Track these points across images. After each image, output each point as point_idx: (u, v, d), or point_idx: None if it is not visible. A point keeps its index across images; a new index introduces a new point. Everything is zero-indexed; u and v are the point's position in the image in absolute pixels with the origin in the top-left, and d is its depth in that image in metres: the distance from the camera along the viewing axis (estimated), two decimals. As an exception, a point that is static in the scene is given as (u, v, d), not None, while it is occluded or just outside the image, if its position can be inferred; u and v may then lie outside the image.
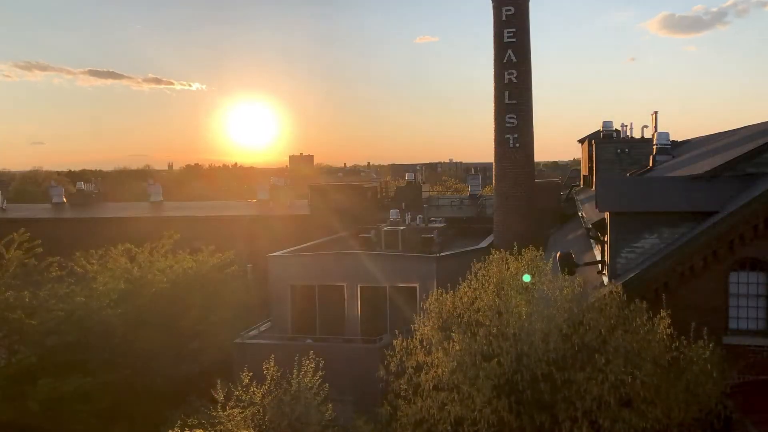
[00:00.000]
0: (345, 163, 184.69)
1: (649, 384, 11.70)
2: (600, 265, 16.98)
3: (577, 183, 39.28)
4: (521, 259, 16.07)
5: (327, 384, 16.56)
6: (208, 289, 26.71)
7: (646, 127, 29.53)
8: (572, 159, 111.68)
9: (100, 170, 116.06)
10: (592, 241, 19.04)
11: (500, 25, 30.76)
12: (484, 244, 30.66)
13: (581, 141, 37.00)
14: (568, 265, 15.71)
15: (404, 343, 14.20)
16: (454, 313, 14.27)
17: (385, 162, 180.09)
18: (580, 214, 24.82)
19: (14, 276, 22.90)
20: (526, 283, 14.41)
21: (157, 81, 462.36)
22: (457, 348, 12.89)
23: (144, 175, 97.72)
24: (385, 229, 34.62)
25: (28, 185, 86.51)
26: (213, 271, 27.93)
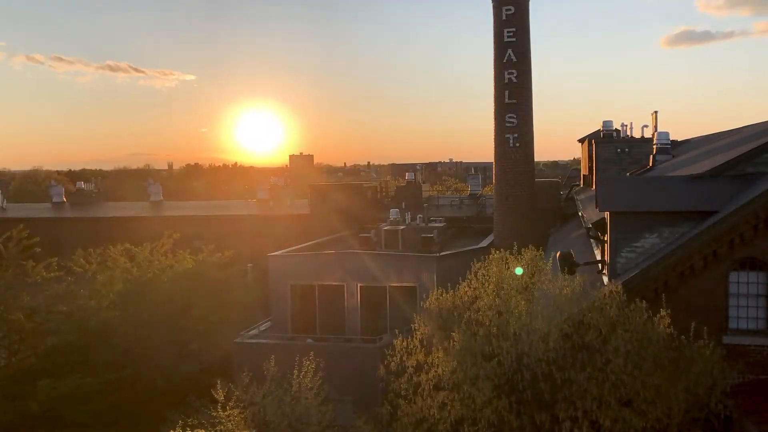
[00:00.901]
0: (345, 163, 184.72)
1: (650, 384, 11.70)
2: (600, 265, 16.98)
3: (577, 183, 39.27)
4: (521, 259, 16.08)
5: (327, 384, 16.57)
6: (209, 288, 26.70)
7: (646, 126, 29.58)
8: (572, 159, 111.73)
9: (100, 170, 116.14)
10: (592, 240, 19.03)
11: (500, 25, 30.76)
12: (484, 243, 30.67)
13: (581, 141, 37.01)
14: (569, 265, 15.69)
15: (404, 343, 14.20)
16: (455, 313, 14.27)
17: (385, 162, 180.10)
18: (580, 213, 24.81)
19: (14, 275, 22.91)
20: (519, 276, 14.46)
21: (141, 71, 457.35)
22: (458, 347, 12.89)
23: (144, 174, 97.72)
24: (385, 228, 34.64)
25: (28, 184, 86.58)
26: (213, 271, 27.93)
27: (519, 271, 14.66)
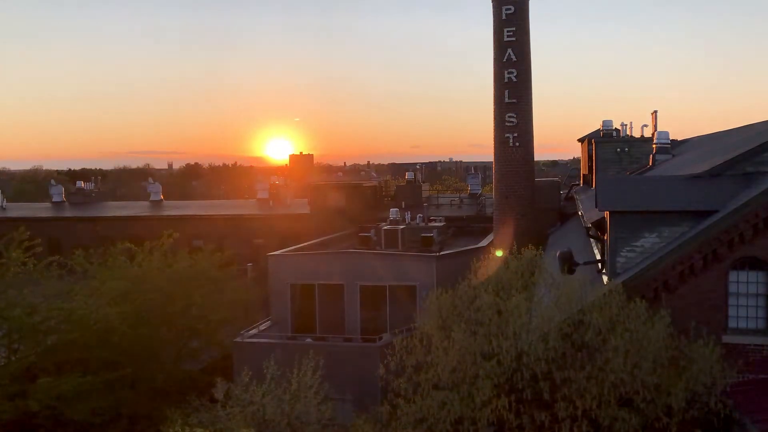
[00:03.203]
0: (345, 162, 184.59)
1: (649, 383, 11.72)
2: (600, 264, 17.00)
3: (577, 182, 39.29)
4: (521, 258, 16.10)
5: (327, 383, 16.58)
6: (208, 287, 26.70)
7: (646, 126, 29.60)
8: (572, 158, 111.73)
9: (99, 169, 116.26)
10: (592, 240, 19.05)
11: (500, 24, 30.77)
12: (483, 243, 30.66)
13: (581, 140, 37.01)
14: (568, 264, 15.72)
15: (404, 342, 14.21)
16: (454, 312, 14.28)
17: (385, 161, 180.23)
18: (580, 213, 24.82)
19: (15, 275, 22.91)
20: (518, 275, 14.51)
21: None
22: (457, 347, 12.90)
23: (144, 174, 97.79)
24: (385, 228, 34.61)
25: (27, 184, 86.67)
26: (213, 270, 27.92)
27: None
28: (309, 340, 25.48)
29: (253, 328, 27.11)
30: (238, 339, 25.32)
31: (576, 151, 40.25)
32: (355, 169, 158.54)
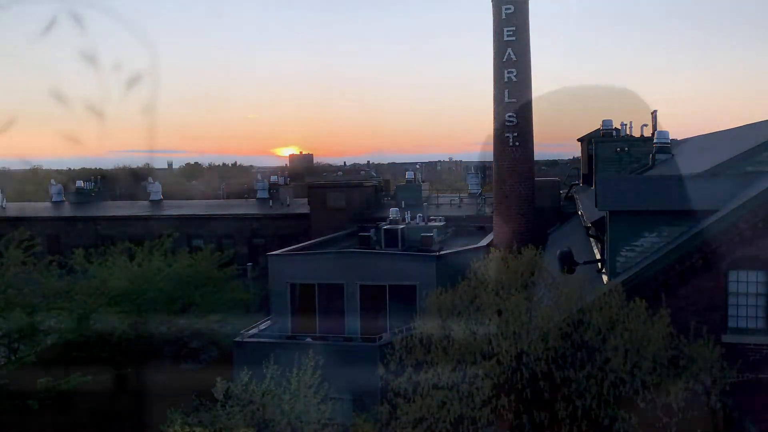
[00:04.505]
0: (345, 162, 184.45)
1: (649, 382, 11.72)
2: (599, 264, 17.00)
3: (577, 182, 39.29)
4: (521, 258, 16.10)
5: (326, 382, 16.59)
6: (208, 287, 26.74)
7: (646, 125, 29.59)
8: (572, 157, 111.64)
9: (99, 168, 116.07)
10: (591, 239, 19.06)
11: (500, 24, 30.75)
12: (483, 242, 30.67)
13: (581, 140, 37.01)
14: (568, 264, 15.72)
15: (404, 342, 14.21)
16: (454, 312, 14.29)
17: (385, 160, 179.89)
18: (579, 212, 24.84)
19: (15, 274, 22.94)
20: (518, 275, 14.51)
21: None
22: (457, 347, 12.91)
23: (144, 173, 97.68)
24: (385, 227, 34.62)
25: (27, 183, 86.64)
26: (212, 270, 27.95)
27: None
28: (309, 339, 25.49)
29: (253, 328, 27.12)
30: (238, 339, 25.33)
31: (576, 151, 40.22)
32: (355, 168, 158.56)
